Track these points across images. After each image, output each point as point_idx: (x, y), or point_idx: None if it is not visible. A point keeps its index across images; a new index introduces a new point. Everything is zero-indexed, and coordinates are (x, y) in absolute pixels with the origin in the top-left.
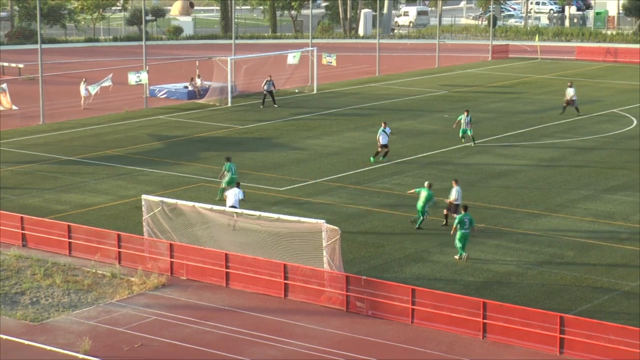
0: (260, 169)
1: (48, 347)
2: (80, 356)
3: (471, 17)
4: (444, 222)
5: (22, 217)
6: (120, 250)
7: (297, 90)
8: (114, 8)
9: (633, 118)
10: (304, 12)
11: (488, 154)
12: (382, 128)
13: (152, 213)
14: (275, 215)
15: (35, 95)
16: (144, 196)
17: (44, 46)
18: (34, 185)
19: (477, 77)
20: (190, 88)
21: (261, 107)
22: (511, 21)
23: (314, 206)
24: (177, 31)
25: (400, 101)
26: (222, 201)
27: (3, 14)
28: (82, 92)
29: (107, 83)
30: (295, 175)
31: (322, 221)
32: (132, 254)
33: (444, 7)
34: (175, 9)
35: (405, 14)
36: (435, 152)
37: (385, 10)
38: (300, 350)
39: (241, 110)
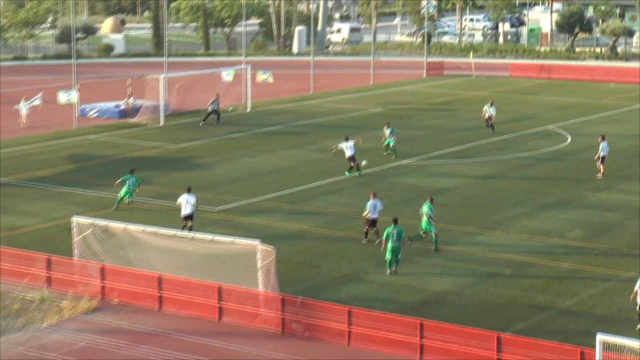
0: (193, 188)
1: None
2: None
3: (406, 34)
4: (365, 238)
5: None
6: (49, 274)
7: (231, 109)
8: (43, 25)
9: (567, 134)
10: (238, 29)
11: (424, 171)
12: (344, 141)
13: (83, 235)
14: (210, 236)
15: None
16: (74, 218)
17: None
18: None
19: (412, 94)
20: (123, 106)
21: (201, 123)
22: (446, 38)
23: (249, 226)
24: (108, 49)
25: (336, 119)
26: (119, 211)
27: None
28: (23, 111)
29: (37, 102)
30: (229, 194)
31: (257, 241)
32: (62, 277)
33: (378, 24)
34: (106, 27)
35: (338, 31)
36: (371, 170)
37: (319, 28)
38: None
39: (174, 129)
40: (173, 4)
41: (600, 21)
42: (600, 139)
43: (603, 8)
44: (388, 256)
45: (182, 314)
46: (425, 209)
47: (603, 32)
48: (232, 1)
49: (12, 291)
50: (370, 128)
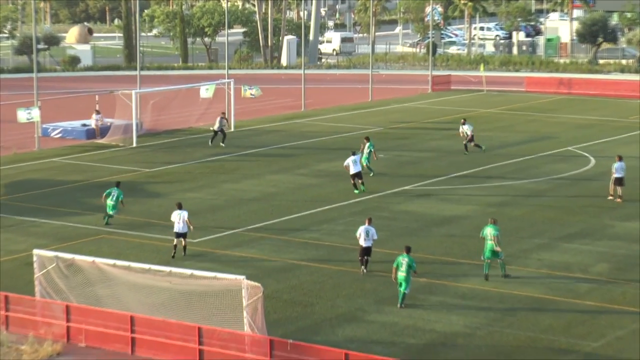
0: (170, 217)
1: None
2: None
3: (408, 45)
4: (363, 269)
5: None
6: (7, 313)
7: (212, 128)
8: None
9: (590, 157)
10: (219, 39)
11: (429, 198)
12: (352, 155)
13: (45, 270)
14: (188, 271)
15: None
16: (35, 251)
17: None
18: None
19: (415, 112)
20: (90, 126)
21: (210, 144)
22: (453, 49)
23: (232, 260)
24: (73, 61)
25: (330, 139)
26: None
27: None
28: None
29: None
30: (210, 224)
31: (242, 277)
32: (22, 317)
33: (377, 33)
34: (71, 36)
35: (328, 41)
36: (370, 196)
37: (311, 37)
38: None
39: (148, 151)
40: (147, 11)
41: (626, 30)
42: (616, 158)
43: (629, 15)
44: (400, 287)
45: (158, 358)
46: (491, 231)
47: (629, 42)
48: (212, 7)
49: None
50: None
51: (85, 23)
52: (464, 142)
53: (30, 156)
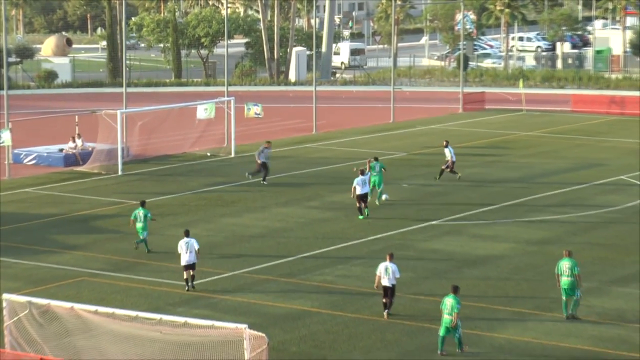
0: (161, 257)
1: None
2: None
3: (435, 57)
4: (386, 311)
5: None
6: None
7: (209, 154)
8: None
9: None
10: (218, 50)
11: (461, 234)
12: (360, 176)
13: (16, 318)
14: (182, 319)
15: None
16: (5, 295)
17: None
18: None
19: (444, 135)
20: (69, 151)
21: (250, 178)
22: (487, 62)
23: (233, 306)
24: (49, 76)
25: (345, 167)
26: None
27: None
28: None
29: None
30: (207, 265)
31: (244, 326)
32: None
33: (400, 44)
34: (47, 48)
35: (336, 52)
36: (392, 232)
37: (323, 49)
38: None
39: (135, 180)
40: (134, 19)
41: None
42: None
43: None
44: (441, 332)
45: None
46: (568, 264)
47: None
48: (210, 15)
49: None
50: (389, 181)
51: (64, 33)
52: (449, 168)
53: None
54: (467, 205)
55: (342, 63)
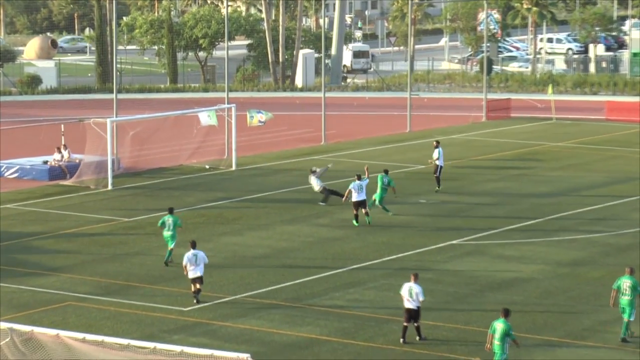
0: (154, 279)
1: None
2: None
3: (456, 61)
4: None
5: None
6: None
7: (208, 167)
8: None
9: None
10: (217, 53)
11: (484, 255)
12: (357, 180)
13: None
14: (178, 348)
15: None
16: None
17: None
18: None
19: (466, 146)
20: (54, 163)
21: (322, 204)
22: (513, 66)
23: (234, 334)
24: (33, 82)
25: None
26: (176, 268)
27: None
28: None
29: None
30: (206, 289)
31: (246, 355)
32: None
33: (417, 46)
34: (30, 51)
35: None
36: (409, 253)
37: (333, 51)
38: None
39: (127, 195)
40: (125, 19)
41: None
42: None
43: None
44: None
45: None
46: (629, 283)
47: None
48: (209, 14)
49: None
50: (407, 195)
51: (48, 34)
52: (434, 175)
53: None
54: (490, 223)
55: (344, 66)
